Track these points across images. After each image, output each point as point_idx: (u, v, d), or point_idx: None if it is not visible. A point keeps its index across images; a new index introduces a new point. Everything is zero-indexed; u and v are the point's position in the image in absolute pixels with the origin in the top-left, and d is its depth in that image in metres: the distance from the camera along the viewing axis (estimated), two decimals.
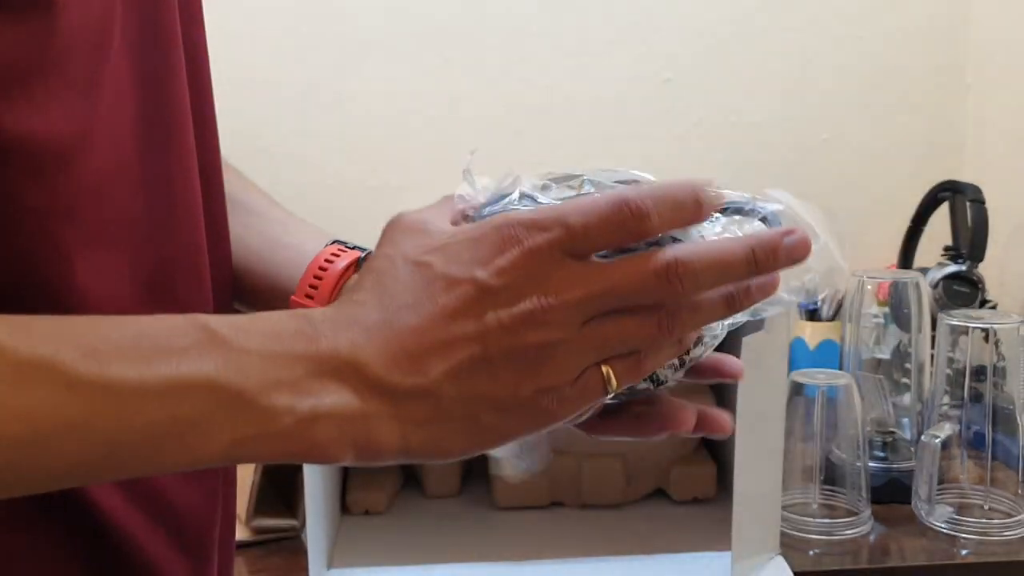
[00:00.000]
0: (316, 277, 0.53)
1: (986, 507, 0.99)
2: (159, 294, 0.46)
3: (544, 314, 0.37)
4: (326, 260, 0.54)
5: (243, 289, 0.58)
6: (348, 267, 0.54)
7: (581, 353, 0.38)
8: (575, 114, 1.52)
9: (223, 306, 0.53)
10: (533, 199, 0.48)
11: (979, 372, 1.02)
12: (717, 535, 0.83)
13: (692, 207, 0.40)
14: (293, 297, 0.54)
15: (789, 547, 0.89)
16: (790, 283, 0.45)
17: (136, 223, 0.44)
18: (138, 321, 0.36)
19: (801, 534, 0.93)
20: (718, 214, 0.44)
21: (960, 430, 1.02)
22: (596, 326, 0.38)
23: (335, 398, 0.36)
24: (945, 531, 0.95)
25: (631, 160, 1.55)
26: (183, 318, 0.36)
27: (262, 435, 0.35)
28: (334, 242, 0.56)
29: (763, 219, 0.45)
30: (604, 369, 0.39)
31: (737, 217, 0.45)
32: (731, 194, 0.45)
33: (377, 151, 1.50)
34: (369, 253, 0.55)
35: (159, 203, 0.46)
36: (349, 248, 0.56)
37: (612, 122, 1.52)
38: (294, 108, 1.48)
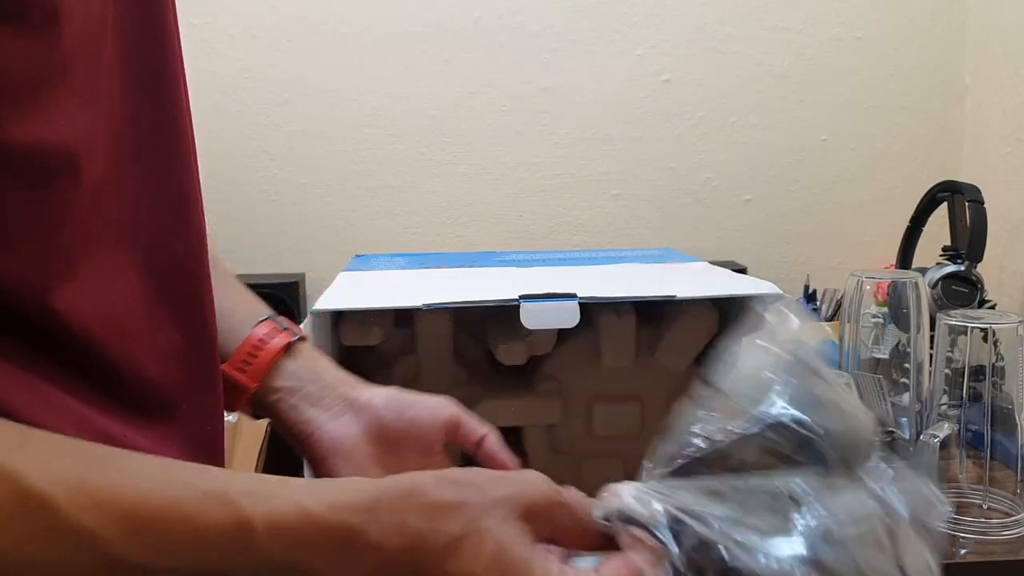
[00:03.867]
0: (251, 354, 0.57)
1: (985, 506, 0.99)
2: (170, 293, 0.46)
3: None
4: (260, 339, 0.57)
5: None
6: (282, 348, 0.57)
7: None
8: (575, 115, 1.52)
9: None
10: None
11: (978, 372, 1.02)
12: None
13: None
14: (224, 367, 0.56)
15: None
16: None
17: (142, 224, 0.44)
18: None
19: None
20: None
21: (959, 430, 1.02)
22: None
23: None
24: (943, 530, 0.95)
25: (631, 160, 1.56)
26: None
27: None
28: (267, 318, 0.59)
29: None
30: None
31: None
32: None
33: (377, 151, 1.50)
34: (302, 338, 0.59)
35: (165, 202, 0.46)
36: (282, 329, 0.58)
37: (612, 122, 1.53)
38: (294, 108, 1.49)
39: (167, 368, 0.46)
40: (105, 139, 0.41)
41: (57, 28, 0.37)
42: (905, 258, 1.41)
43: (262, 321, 0.59)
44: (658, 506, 0.41)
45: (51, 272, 0.39)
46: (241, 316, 0.59)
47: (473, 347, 0.98)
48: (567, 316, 0.79)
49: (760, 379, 0.44)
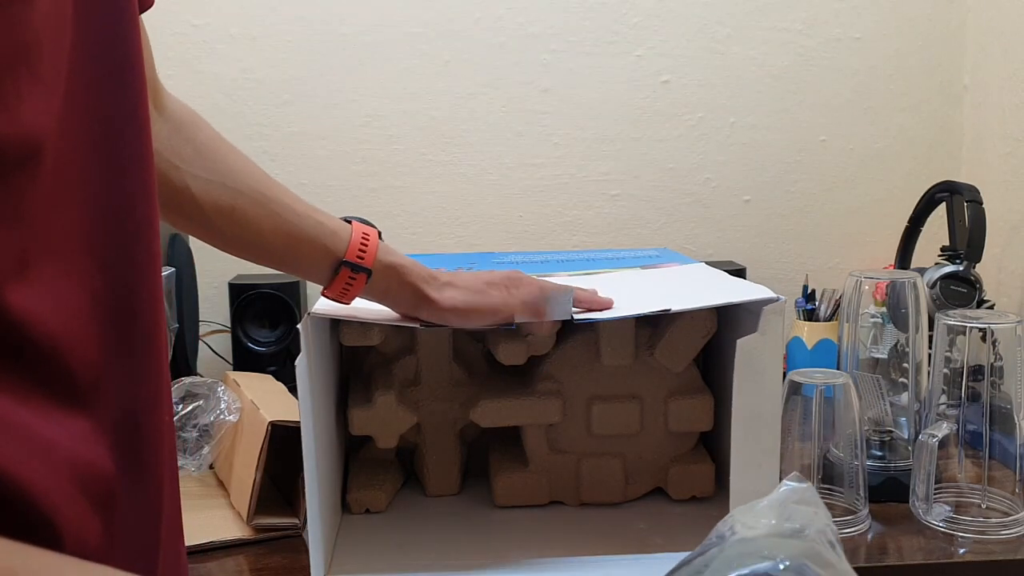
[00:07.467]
0: (362, 247, 0.74)
1: (983, 506, 0.99)
2: (115, 312, 0.43)
3: None
4: (364, 234, 0.75)
5: (288, 252, 0.74)
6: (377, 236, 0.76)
7: None
8: (575, 115, 1.52)
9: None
10: None
11: (976, 371, 1.03)
12: None
13: None
14: (346, 257, 0.73)
15: None
16: None
17: (94, 234, 0.42)
18: None
19: None
20: None
21: (957, 429, 1.02)
22: None
23: None
24: (943, 530, 0.95)
25: (631, 160, 1.56)
26: None
27: None
28: (348, 219, 0.76)
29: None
30: None
31: None
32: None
33: (377, 151, 1.50)
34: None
35: (117, 214, 0.44)
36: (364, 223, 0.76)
37: (611, 123, 1.53)
38: (294, 108, 1.49)
39: (111, 369, 0.43)
40: (65, 132, 0.39)
41: (27, 9, 0.34)
42: (904, 258, 1.42)
43: (348, 222, 0.75)
44: None
45: (5, 270, 0.36)
46: (323, 221, 0.74)
47: (473, 347, 0.98)
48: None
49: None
